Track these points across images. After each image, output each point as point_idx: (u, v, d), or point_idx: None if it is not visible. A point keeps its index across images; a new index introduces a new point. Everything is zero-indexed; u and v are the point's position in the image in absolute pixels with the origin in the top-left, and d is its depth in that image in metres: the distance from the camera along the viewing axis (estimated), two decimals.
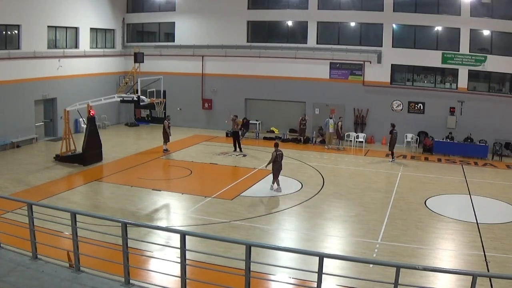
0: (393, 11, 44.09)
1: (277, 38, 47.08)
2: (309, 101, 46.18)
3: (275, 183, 27.68)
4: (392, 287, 11.14)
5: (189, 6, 48.41)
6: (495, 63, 43.05)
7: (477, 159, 40.36)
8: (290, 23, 47.07)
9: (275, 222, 22.54)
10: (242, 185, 28.49)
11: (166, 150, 37.03)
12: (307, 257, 15.77)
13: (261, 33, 47.77)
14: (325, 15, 45.35)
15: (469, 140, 42.16)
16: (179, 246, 11.65)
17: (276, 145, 28.34)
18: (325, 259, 11.22)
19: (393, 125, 37.99)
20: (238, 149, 38.28)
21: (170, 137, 37.46)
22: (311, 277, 12.88)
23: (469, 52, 43.52)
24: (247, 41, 47.29)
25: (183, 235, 11.71)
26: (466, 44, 43.49)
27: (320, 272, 11.03)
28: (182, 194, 26.84)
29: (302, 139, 43.02)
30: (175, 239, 14.09)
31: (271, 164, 27.65)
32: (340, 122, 42.22)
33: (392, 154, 37.71)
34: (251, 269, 11.42)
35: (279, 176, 27.92)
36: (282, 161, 28.18)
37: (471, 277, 10.95)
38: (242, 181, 29.50)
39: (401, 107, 44.95)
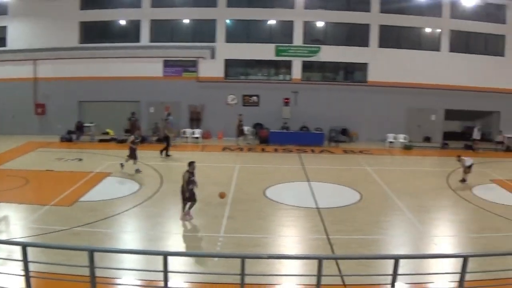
0: (226, 6, 44.70)
1: (110, 38, 46.25)
2: (144, 100, 45.94)
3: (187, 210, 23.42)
4: (239, 278, 11.45)
5: (22, 9, 46.08)
6: (329, 53, 45.22)
7: (314, 147, 41.90)
8: (123, 22, 46.48)
9: (116, 225, 22.19)
10: (80, 190, 27.60)
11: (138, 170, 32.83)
12: (152, 257, 15.69)
13: (94, 33, 46.63)
14: (158, 13, 45.19)
15: (305, 129, 43.53)
16: (21, 259, 11.38)
17: (190, 164, 23.30)
18: (169, 257, 11.34)
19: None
20: (165, 154, 37.00)
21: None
22: (158, 277, 12.93)
23: (303, 43, 45.11)
24: (80, 43, 46.09)
25: (24, 247, 11.45)
26: (300, 36, 45.24)
27: (165, 271, 11.13)
28: (20, 204, 25.88)
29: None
30: (18, 251, 13.71)
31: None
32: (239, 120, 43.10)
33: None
34: (96, 275, 11.36)
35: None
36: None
37: (317, 260, 11.47)
38: (80, 186, 28.69)
39: (236, 101, 45.73)
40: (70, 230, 21.04)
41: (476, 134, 44.13)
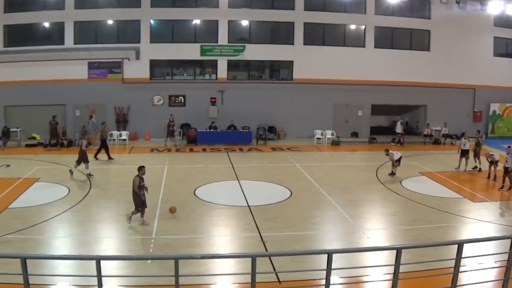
0: (150, 6, 44.33)
1: (35, 41, 44.86)
2: (69, 103, 45.06)
3: (140, 215, 22.52)
4: (174, 279, 11.29)
5: None
6: (254, 52, 45.33)
7: (242, 146, 41.99)
8: (47, 24, 45.41)
9: (47, 231, 21.67)
10: (9, 197, 26.85)
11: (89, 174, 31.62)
12: (85, 262, 15.45)
13: (18, 37, 45.22)
14: (82, 15, 44.33)
15: (232, 128, 43.57)
16: None
17: (140, 169, 22.36)
18: (102, 261, 11.11)
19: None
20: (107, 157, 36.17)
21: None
22: (92, 282, 12.66)
23: (228, 43, 45.15)
24: (4, 46, 44.70)
25: None
26: (225, 35, 45.37)
27: (99, 275, 10.90)
28: None
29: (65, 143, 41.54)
30: None
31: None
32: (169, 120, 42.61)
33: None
34: (30, 283, 11.05)
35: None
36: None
37: (251, 258, 11.38)
38: (8, 193, 27.95)
39: (162, 102, 45.46)
40: (1, 238, 20.49)
41: (399, 128, 44.94)
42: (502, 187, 29.00)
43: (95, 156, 36.23)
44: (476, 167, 34.33)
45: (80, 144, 32.18)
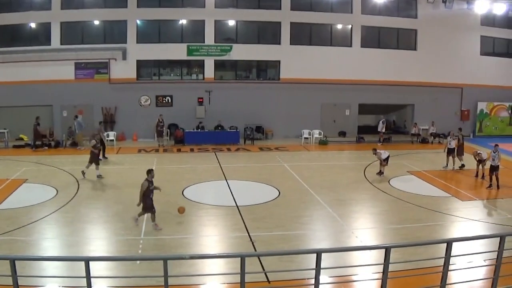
0: (137, 7, 44.21)
1: (22, 41, 44.65)
2: (56, 104, 44.87)
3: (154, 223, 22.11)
4: (163, 279, 11.27)
5: None
6: (241, 52, 45.36)
7: (230, 145, 42.01)
8: (33, 25, 45.12)
9: (35, 232, 21.56)
10: None
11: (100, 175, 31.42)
12: (74, 263, 15.38)
13: (5, 37, 44.92)
14: (68, 15, 44.13)
15: (219, 128, 43.58)
16: None
17: (149, 172, 22.05)
18: (91, 262, 11.08)
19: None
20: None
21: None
22: (81, 283, 12.59)
23: (215, 43, 45.13)
24: None
25: None
26: (211, 35, 45.39)
27: (88, 276, 10.87)
28: None
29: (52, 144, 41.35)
30: None
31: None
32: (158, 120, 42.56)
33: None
34: (19, 284, 11.00)
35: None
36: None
37: (240, 258, 11.38)
38: None
39: (149, 102, 45.38)
40: None
41: (381, 127, 45.13)
42: (490, 185, 29.14)
43: (103, 156, 36.16)
44: (463, 165, 34.51)
45: (91, 144, 31.92)
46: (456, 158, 34.34)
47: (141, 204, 21.67)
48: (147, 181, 21.63)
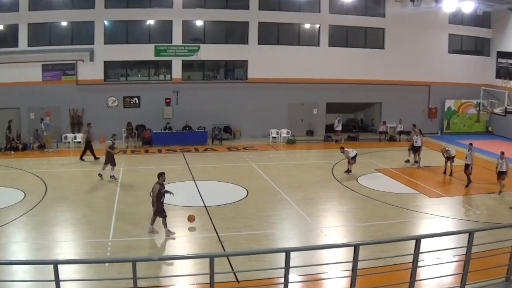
0: (105, 7, 43.76)
1: None
2: (24, 106, 44.32)
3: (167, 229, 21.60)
4: (132, 282, 11.25)
5: None
6: (208, 52, 45.16)
7: (198, 146, 41.88)
8: (0, 27, 44.24)
9: (4, 235, 21.30)
10: None
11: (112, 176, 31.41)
12: (42, 267, 15.33)
13: None
14: (36, 16, 43.39)
15: (187, 128, 43.47)
16: None
17: (160, 175, 21.75)
18: (59, 265, 11.02)
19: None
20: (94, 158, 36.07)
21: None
22: (49, 286, 12.52)
23: (182, 43, 44.94)
24: None
25: None
26: (179, 36, 45.05)
27: (57, 280, 10.81)
28: None
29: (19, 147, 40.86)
30: None
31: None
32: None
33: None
34: None
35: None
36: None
37: (208, 259, 11.40)
38: None
39: (116, 103, 45.09)
40: None
41: (337, 125, 45.34)
42: (467, 185, 29.37)
43: (81, 158, 36.39)
44: (408, 160, 35.60)
45: (107, 145, 32.11)
46: (414, 154, 34.94)
47: (153, 208, 21.46)
48: (159, 184, 21.40)
